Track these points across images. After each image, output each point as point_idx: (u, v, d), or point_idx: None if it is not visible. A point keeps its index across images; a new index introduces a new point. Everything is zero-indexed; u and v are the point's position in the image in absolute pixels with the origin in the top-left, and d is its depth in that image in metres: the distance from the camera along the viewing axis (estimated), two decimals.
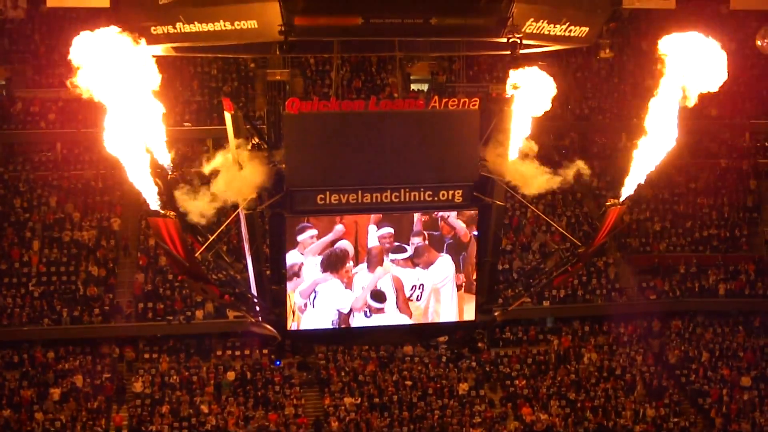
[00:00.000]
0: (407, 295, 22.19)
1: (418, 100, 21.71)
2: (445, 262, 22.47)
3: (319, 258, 21.36)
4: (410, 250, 22.02)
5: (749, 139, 48.89)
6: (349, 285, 21.69)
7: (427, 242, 22.02)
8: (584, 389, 40.34)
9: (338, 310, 21.91)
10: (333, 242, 21.47)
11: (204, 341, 40.46)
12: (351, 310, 21.99)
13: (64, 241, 41.25)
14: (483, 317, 23.07)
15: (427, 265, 22.20)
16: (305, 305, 21.67)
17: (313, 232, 21.12)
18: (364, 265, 21.74)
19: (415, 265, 22.09)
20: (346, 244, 21.51)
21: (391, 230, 21.70)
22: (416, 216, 21.85)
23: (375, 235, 21.70)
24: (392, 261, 21.93)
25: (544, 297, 41.23)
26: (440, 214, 21.90)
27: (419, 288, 22.35)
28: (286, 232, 21.23)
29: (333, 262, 21.56)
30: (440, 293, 22.52)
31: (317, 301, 21.69)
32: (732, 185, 47.15)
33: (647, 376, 41.04)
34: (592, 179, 44.43)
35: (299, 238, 21.07)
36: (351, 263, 21.65)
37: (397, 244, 21.92)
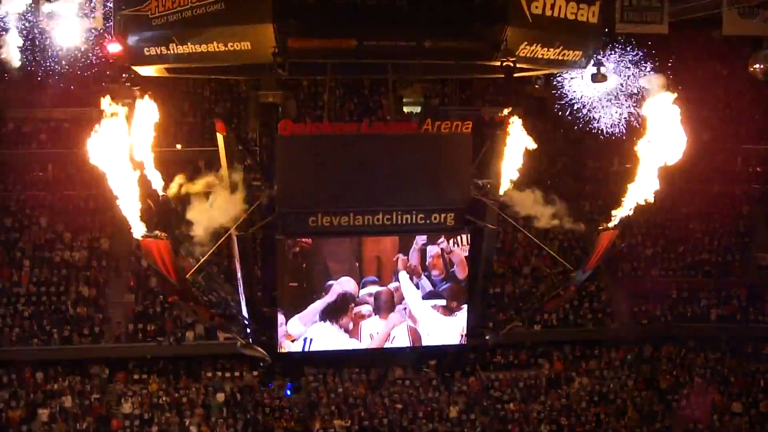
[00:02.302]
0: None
1: (410, 123, 21.67)
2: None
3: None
4: (445, 294, 21.87)
5: (741, 165, 48.92)
6: (354, 333, 21.53)
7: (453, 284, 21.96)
8: (575, 414, 40.23)
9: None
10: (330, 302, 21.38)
11: (194, 363, 40.27)
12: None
13: (54, 261, 41.08)
14: (474, 341, 23.00)
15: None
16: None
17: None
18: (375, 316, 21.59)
19: (451, 312, 22.01)
20: (348, 288, 21.41)
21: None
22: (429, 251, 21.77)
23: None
24: (433, 307, 21.85)
25: (535, 321, 41.12)
26: (444, 247, 21.81)
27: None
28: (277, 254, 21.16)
29: (333, 310, 21.44)
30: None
31: (312, 347, 21.57)
32: (724, 210, 47.12)
33: (638, 401, 40.93)
34: (584, 203, 44.42)
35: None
36: (356, 308, 21.50)
37: (431, 289, 21.82)
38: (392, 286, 21.41)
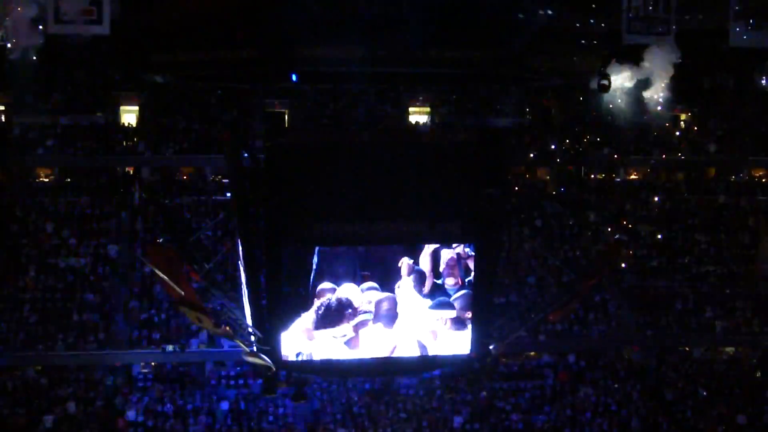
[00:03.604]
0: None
1: (417, 132, 21.72)
2: None
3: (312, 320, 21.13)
4: (457, 304, 21.65)
5: (747, 175, 48.98)
6: (354, 343, 21.40)
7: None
8: (579, 424, 40.13)
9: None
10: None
11: (198, 370, 40.23)
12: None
13: (59, 267, 41.09)
14: (479, 351, 22.98)
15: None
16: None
17: None
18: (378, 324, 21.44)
19: (462, 324, 21.84)
20: (345, 294, 21.31)
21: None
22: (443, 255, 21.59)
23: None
24: (438, 320, 21.73)
25: (539, 331, 41.03)
26: (461, 252, 21.69)
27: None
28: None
29: (329, 316, 21.35)
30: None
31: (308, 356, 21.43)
32: (730, 222, 47.11)
33: (643, 412, 40.82)
34: (589, 213, 44.38)
35: None
36: (355, 316, 21.36)
37: (441, 299, 21.68)
38: (396, 291, 21.33)
